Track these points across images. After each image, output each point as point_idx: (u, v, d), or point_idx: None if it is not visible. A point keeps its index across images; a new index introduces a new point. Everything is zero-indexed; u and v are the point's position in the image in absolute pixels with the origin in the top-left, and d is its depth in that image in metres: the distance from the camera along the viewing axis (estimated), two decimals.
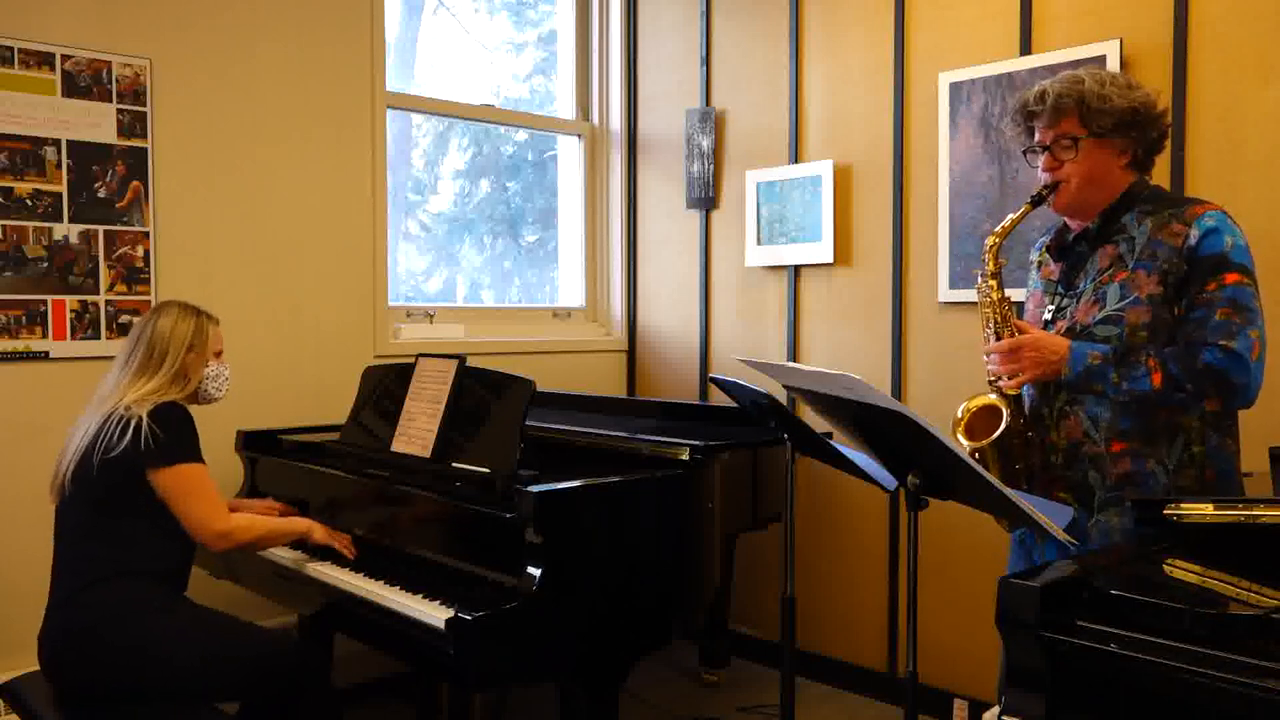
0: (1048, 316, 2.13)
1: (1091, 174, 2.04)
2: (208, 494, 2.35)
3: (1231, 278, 1.91)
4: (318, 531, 2.57)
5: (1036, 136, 2.10)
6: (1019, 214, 2.10)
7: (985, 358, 2.11)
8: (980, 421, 2.10)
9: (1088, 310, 2.03)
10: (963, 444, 2.09)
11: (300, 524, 2.59)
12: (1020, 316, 2.17)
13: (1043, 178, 2.09)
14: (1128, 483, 1.99)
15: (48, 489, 2.40)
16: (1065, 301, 2.10)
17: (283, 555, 2.66)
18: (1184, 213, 1.97)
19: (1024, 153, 2.15)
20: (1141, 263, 1.98)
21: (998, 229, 2.14)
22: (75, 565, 2.30)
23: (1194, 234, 1.93)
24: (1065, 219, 2.17)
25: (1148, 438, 1.98)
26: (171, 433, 2.31)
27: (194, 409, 2.44)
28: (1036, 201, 2.08)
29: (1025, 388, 2.11)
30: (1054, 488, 2.08)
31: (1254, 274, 1.96)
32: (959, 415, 2.14)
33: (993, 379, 2.09)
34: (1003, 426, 2.04)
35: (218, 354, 2.51)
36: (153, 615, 2.26)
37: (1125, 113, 2.01)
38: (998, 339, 2.08)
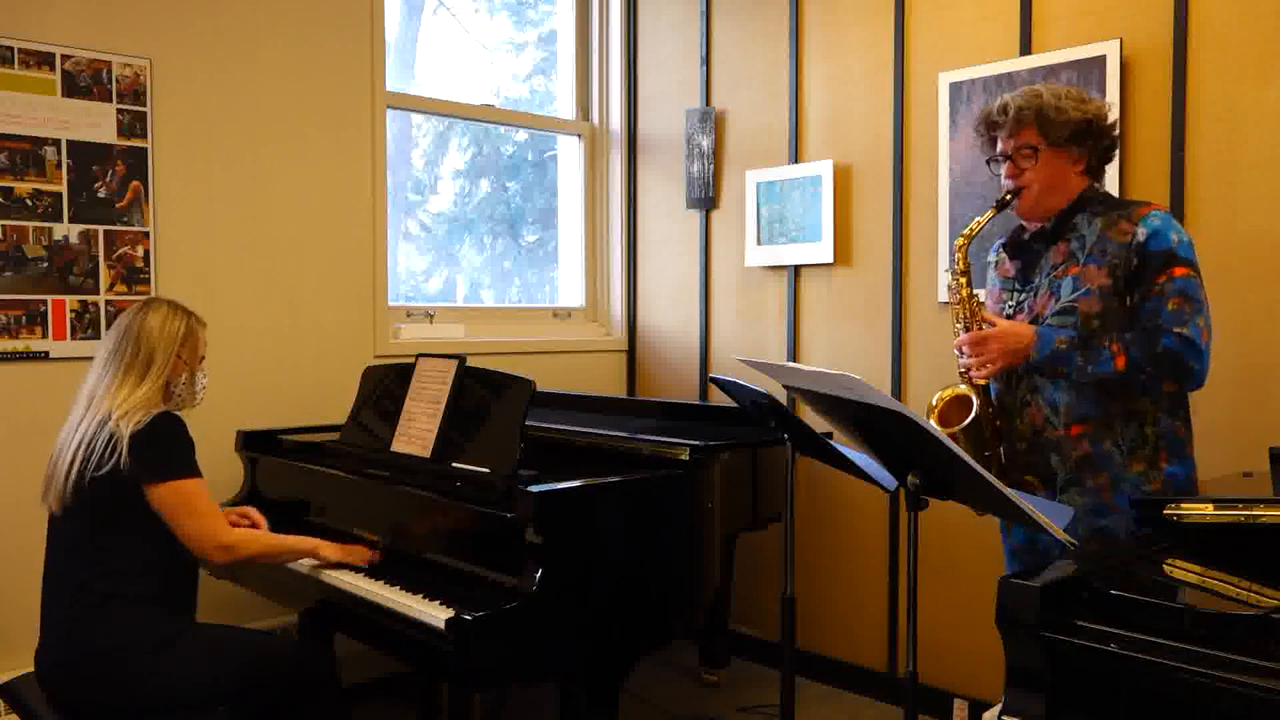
0: (1009, 311, 2.28)
1: (1050, 180, 2.21)
2: (205, 508, 2.27)
3: (1180, 271, 2.07)
4: (325, 549, 2.48)
5: (999, 146, 2.27)
6: (985, 217, 2.26)
7: (956, 351, 2.25)
8: (952, 411, 2.23)
9: (1045, 302, 2.19)
10: None
11: (306, 543, 2.49)
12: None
13: (1006, 184, 2.25)
14: (1086, 464, 2.15)
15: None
16: (1022, 296, 2.27)
17: None
18: (1131, 213, 2.14)
19: (987, 161, 2.32)
20: (1092, 258, 2.14)
21: (966, 230, 2.30)
22: (71, 587, 2.22)
23: (1141, 231, 2.10)
24: (1022, 220, 2.32)
25: (1105, 421, 2.13)
26: (164, 447, 2.22)
27: (192, 410, 2.40)
28: (1001, 206, 2.26)
29: (992, 381, 2.25)
30: (1021, 474, 2.23)
31: (1198, 267, 2.11)
32: (932, 404, 2.28)
33: (964, 370, 2.24)
34: (973, 414, 2.18)
35: (200, 359, 2.40)
36: (155, 649, 2.17)
37: (1079, 124, 2.18)
38: (967, 332, 2.22)
